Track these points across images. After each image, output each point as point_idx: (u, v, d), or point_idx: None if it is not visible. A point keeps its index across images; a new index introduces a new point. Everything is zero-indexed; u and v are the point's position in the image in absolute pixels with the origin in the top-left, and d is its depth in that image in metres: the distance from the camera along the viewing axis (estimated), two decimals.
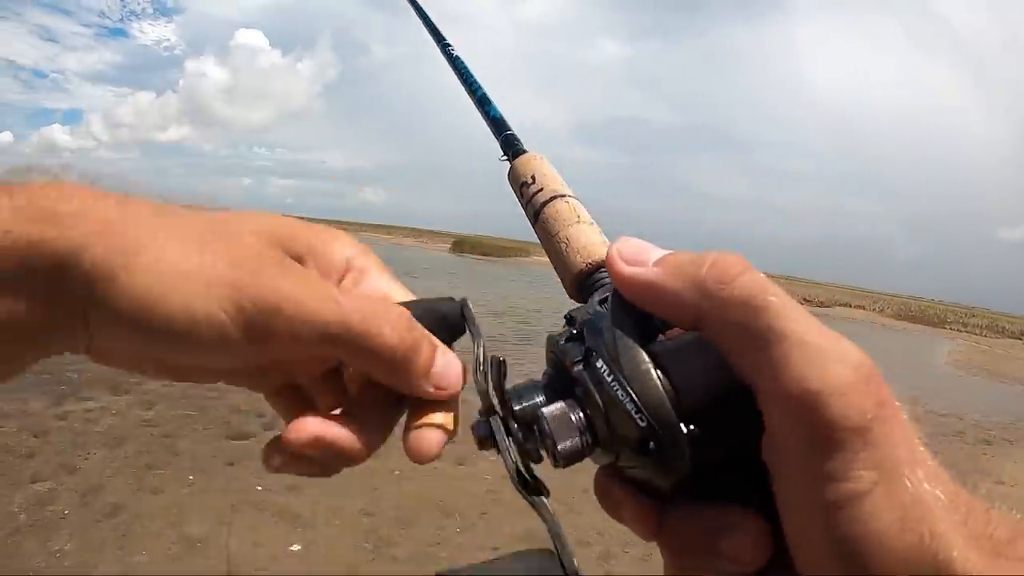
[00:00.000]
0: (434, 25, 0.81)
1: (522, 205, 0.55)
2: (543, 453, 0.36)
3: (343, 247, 0.43)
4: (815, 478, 0.28)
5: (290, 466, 0.38)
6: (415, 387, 0.38)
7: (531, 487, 0.35)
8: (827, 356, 0.29)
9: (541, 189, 0.52)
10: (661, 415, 0.32)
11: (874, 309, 36.57)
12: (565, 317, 0.40)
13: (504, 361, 0.37)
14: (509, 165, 0.57)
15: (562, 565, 0.33)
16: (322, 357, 0.39)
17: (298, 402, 0.43)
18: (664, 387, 0.33)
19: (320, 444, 0.36)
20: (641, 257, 0.35)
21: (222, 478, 5.12)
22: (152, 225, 0.34)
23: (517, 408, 0.37)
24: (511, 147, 0.59)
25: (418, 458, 0.38)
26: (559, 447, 0.35)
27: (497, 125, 0.62)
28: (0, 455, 5.15)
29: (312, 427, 0.36)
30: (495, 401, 0.37)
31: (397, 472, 5.40)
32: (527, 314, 16.58)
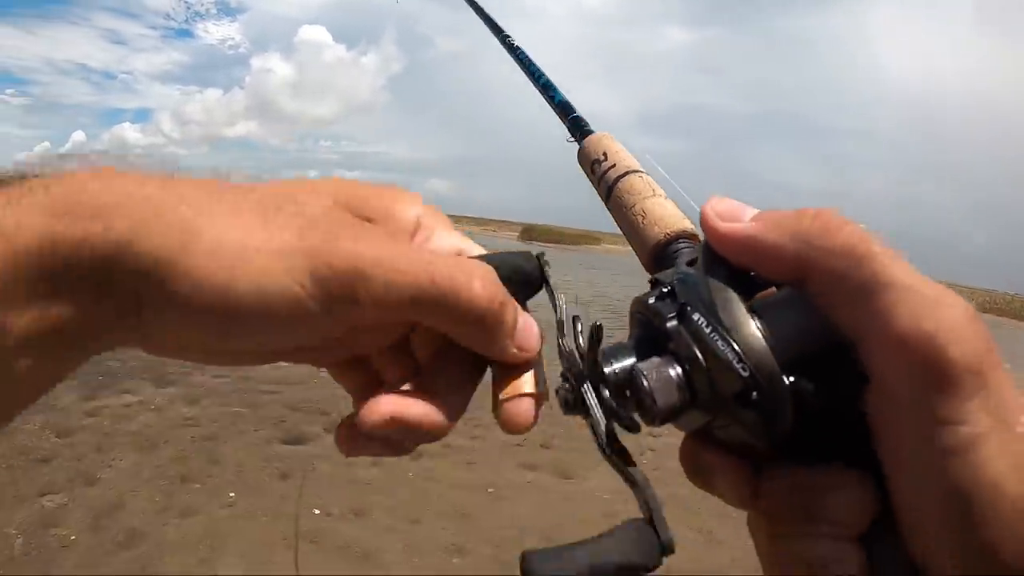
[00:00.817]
0: (492, 20, 0.88)
1: (594, 183, 0.54)
2: (638, 419, 0.34)
3: (411, 206, 0.40)
4: (929, 423, 0.27)
5: (367, 448, 0.37)
6: (501, 349, 0.36)
7: (627, 457, 0.34)
8: (938, 300, 0.28)
9: (614, 165, 0.53)
10: (764, 364, 0.31)
11: None
12: (649, 282, 0.39)
13: (601, 327, 0.35)
14: (578, 147, 0.58)
15: (657, 534, 0.31)
16: (404, 323, 0.37)
17: (366, 376, 0.41)
18: (765, 338, 0.32)
19: (399, 422, 0.34)
20: (736, 214, 0.34)
21: (271, 497, 4.03)
22: (206, 204, 0.31)
23: (607, 370, 0.35)
24: (579, 128, 0.60)
25: (514, 428, 0.37)
26: (659, 404, 0.33)
27: (563, 109, 0.65)
28: (13, 457, 4.24)
29: (388, 405, 0.35)
30: (578, 359, 0.35)
31: (491, 490, 4.30)
32: (616, 304, 15.61)
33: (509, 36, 0.78)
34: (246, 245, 0.31)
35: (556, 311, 0.38)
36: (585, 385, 0.35)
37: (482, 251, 0.41)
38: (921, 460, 0.28)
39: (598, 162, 0.54)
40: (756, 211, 0.34)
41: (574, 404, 0.35)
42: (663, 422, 0.34)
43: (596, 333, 0.35)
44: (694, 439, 0.36)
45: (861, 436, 0.31)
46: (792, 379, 0.31)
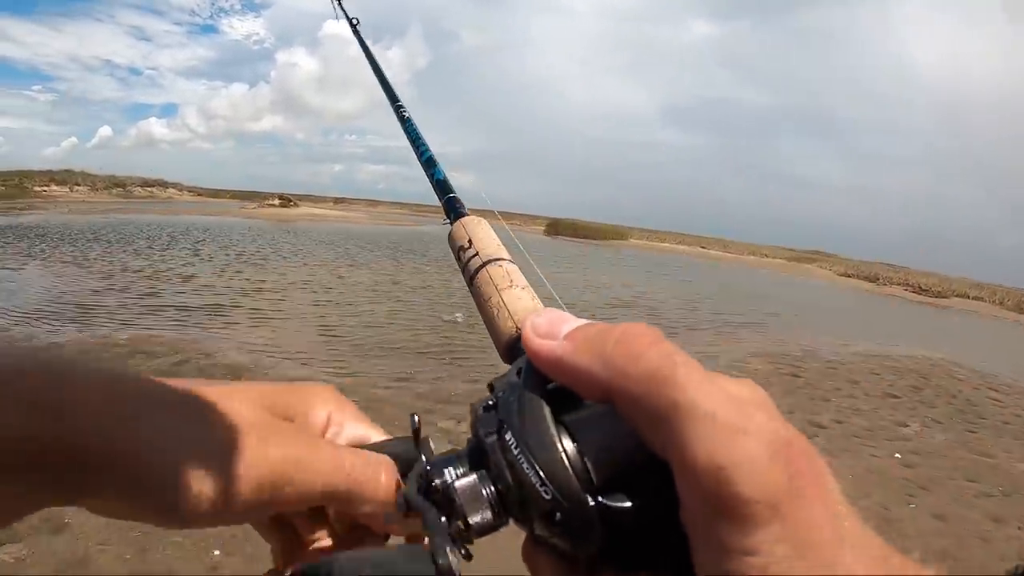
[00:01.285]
0: (389, 84, 0.94)
1: (460, 268, 0.55)
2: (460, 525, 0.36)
3: (323, 404, 0.46)
4: (728, 552, 0.27)
5: None
6: (393, 529, 0.45)
7: (441, 568, 0.35)
8: (736, 429, 0.28)
9: (476, 253, 0.53)
10: (565, 488, 0.32)
11: (994, 301, 31.81)
12: (488, 386, 0.40)
13: (418, 421, 0.41)
14: (450, 229, 0.59)
15: (435, 563, 0.34)
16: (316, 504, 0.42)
17: (288, 534, 0.46)
18: (571, 459, 0.33)
19: None
20: (553, 330, 0.35)
21: (261, 555, 3.38)
22: (156, 407, 0.37)
23: (436, 481, 0.37)
24: (453, 210, 0.62)
25: None
26: (470, 520, 0.35)
27: (442, 188, 0.67)
28: None
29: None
30: (416, 472, 0.39)
31: None
32: (658, 306, 14.91)
33: (403, 107, 0.82)
34: (183, 449, 0.36)
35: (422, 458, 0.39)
36: (427, 498, 0.37)
37: (382, 437, 0.47)
38: None
39: (463, 248, 0.55)
40: (575, 324, 0.35)
41: (407, 507, 0.38)
42: (479, 536, 0.36)
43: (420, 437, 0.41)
44: (530, 541, 0.36)
45: (681, 546, 0.30)
46: (600, 499, 0.32)
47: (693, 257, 41.43)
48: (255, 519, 0.43)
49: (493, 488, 0.35)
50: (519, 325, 0.46)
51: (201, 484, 0.35)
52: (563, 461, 0.32)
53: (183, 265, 14.64)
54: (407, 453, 0.42)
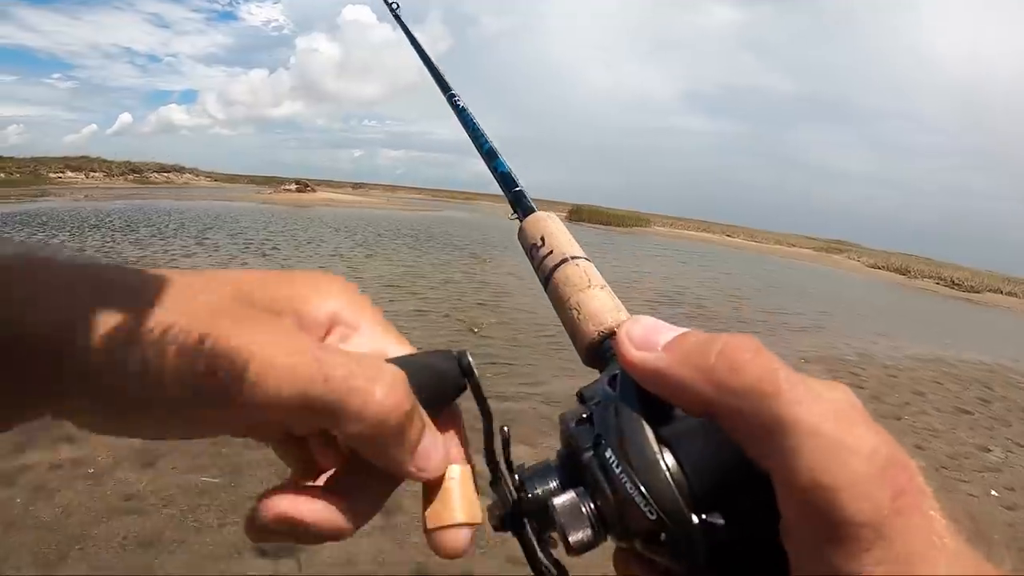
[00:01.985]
0: (441, 76, 0.85)
1: (534, 267, 0.53)
2: (557, 539, 0.36)
3: (326, 299, 0.38)
4: (828, 570, 0.27)
5: (267, 536, 0.35)
6: (399, 465, 0.35)
7: (562, 568, 0.36)
8: (840, 447, 0.27)
9: (551, 252, 0.51)
10: (671, 507, 0.31)
11: None
12: (577, 395, 0.39)
13: (508, 432, 0.37)
14: (519, 225, 0.56)
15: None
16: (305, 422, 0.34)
17: (305, 453, 0.38)
18: (674, 476, 0.32)
19: (287, 522, 0.33)
20: (650, 339, 0.34)
21: None
22: (103, 294, 0.30)
23: (530, 495, 0.36)
24: (521, 205, 0.58)
25: (447, 557, 0.36)
26: (570, 539, 0.34)
27: (506, 181, 0.62)
28: None
29: (280, 505, 0.34)
30: (508, 485, 0.37)
31: None
32: (704, 304, 13.93)
33: (456, 95, 0.75)
34: (137, 330, 0.29)
35: (484, 417, 0.37)
36: (522, 519, 0.36)
37: (408, 350, 0.39)
38: None
39: (536, 247, 0.52)
40: (674, 334, 0.34)
41: (503, 526, 0.37)
42: (579, 553, 0.34)
43: (505, 441, 0.37)
44: (623, 552, 0.36)
45: (782, 562, 0.29)
46: (704, 517, 0.31)
47: (721, 246, 40.74)
48: (261, 434, 0.35)
49: (592, 505, 0.34)
50: (600, 328, 0.44)
51: (136, 376, 0.29)
52: (667, 480, 0.32)
53: (184, 256, 13.66)
54: (439, 378, 0.37)
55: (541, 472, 0.37)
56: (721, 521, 0.31)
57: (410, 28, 1.03)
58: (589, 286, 0.47)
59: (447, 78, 0.86)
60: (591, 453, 0.35)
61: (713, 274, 21.75)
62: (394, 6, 1.05)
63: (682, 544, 0.31)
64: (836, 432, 0.27)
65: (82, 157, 60.51)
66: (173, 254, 13.83)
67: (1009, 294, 31.19)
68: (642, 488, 0.32)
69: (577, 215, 50.93)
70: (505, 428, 0.37)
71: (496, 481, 0.38)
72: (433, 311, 9.78)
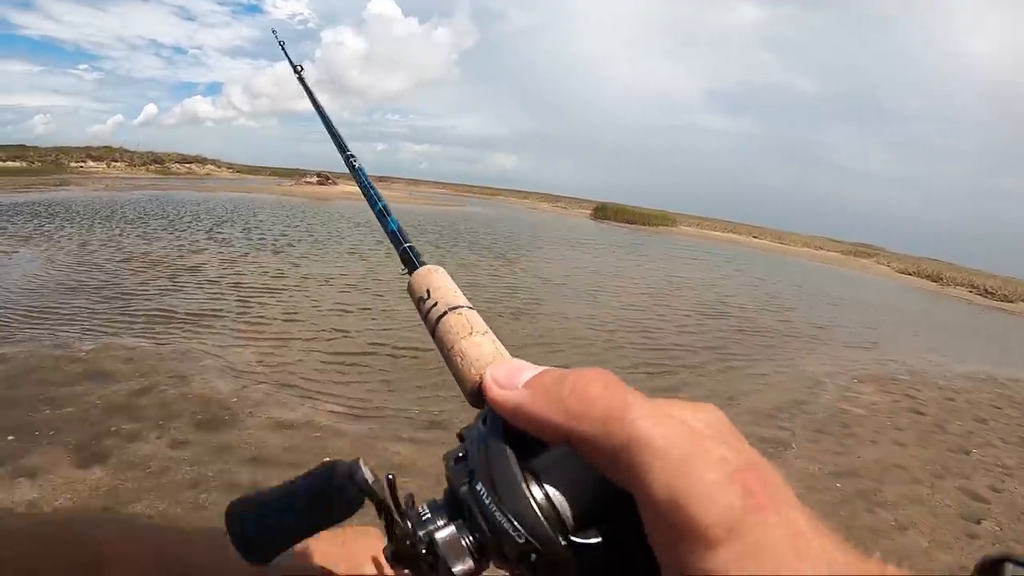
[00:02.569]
0: (339, 136, 0.94)
1: (421, 318, 0.55)
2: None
3: None
4: (691, 571, 0.29)
5: None
6: None
7: None
8: (687, 459, 0.30)
9: (436, 304, 0.53)
10: (539, 532, 0.34)
11: None
12: (457, 435, 0.42)
13: (393, 477, 0.41)
14: (408, 279, 0.59)
15: None
16: None
17: None
18: (539, 503, 0.34)
19: None
20: (512, 380, 0.38)
21: None
22: None
23: (421, 532, 0.38)
24: (409, 261, 0.61)
25: None
26: (454, 570, 0.37)
27: (395, 238, 0.67)
28: None
29: None
30: (400, 527, 0.39)
31: None
32: (746, 312, 12.97)
33: (353, 156, 0.83)
34: None
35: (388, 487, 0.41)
36: (416, 558, 0.39)
37: None
38: None
39: (423, 300, 0.54)
40: (533, 373, 0.37)
41: (399, 563, 0.40)
42: None
43: (392, 487, 0.41)
44: None
45: (657, 571, 0.32)
46: (572, 539, 0.34)
47: (748, 247, 39.67)
48: None
49: (471, 537, 0.37)
50: (481, 371, 0.45)
51: None
52: (532, 507, 0.34)
53: (193, 252, 12.77)
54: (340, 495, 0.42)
55: (432, 510, 0.39)
56: (590, 540, 0.33)
57: (313, 91, 1.24)
58: (471, 333, 0.49)
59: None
60: (466, 488, 0.37)
61: (749, 279, 20.77)
62: (299, 68, 1.23)
63: (552, 565, 0.34)
64: (683, 447, 0.30)
65: (104, 147, 60.43)
66: (181, 249, 12.96)
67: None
68: (510, 516, 0.34)
69: (602, 213, 49.93)
70: (390, 475, 0.41)
71: (390, 525, 0.40)
72: None
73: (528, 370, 0.38)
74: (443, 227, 25.03)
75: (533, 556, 0.34)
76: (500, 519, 0.34)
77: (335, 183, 49.16)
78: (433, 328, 0.52)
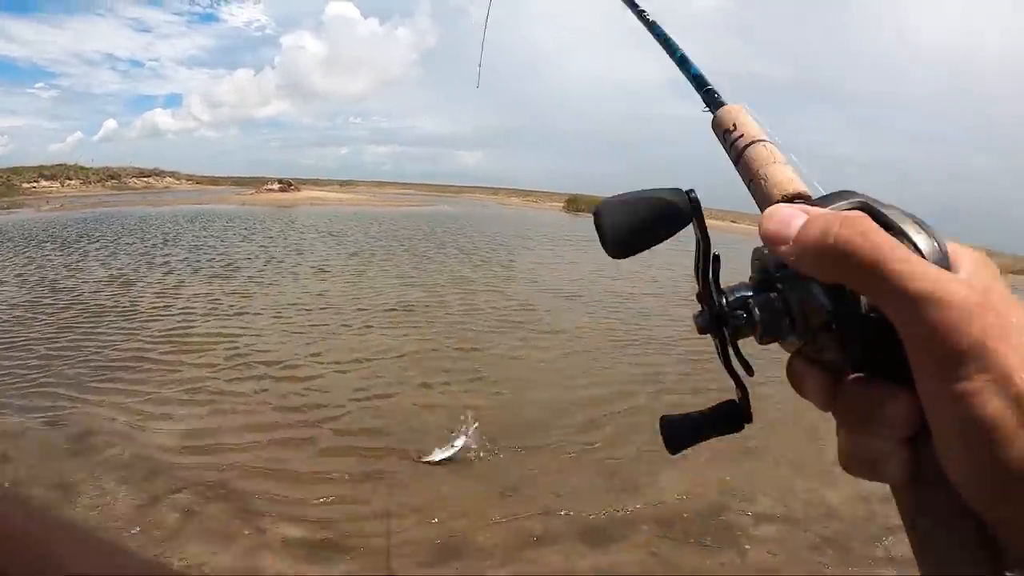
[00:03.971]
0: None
1: (725, 149, 0.58)
2: (752, 335, 0.44)
3: None
4: (939, 380, 0.34)
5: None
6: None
7: (749, 368, 0.45)
8: (938, 280, 0.35)
9: (741, 135, 0.56)
10: (842, 304, 0.39)
11: None
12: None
13: (718, 256, 0.45)
14: (712, 116, 0.60)
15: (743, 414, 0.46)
16: None
17: None
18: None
19: None
20: (782, 233, 0.40)
21: None
22: None
23: (731, 298, 0.44)
24: (713, 100, 0.62)
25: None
26: (763, 330, 0.42)
27: (698, 81, 0.66)
28: None
29: None
30: (713, 294, 0.45)
31: None
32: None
33: (645, 11, 0.82)
34: None
35: (704, 239, 0.45)
36: (719, 319, 0.44)
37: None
38: (935, 400, 0.35)
39: (729, 132, 0.57)
40: (802, 220, 0.40)
41: (705, 329, 0.45)
42: (767, 343, 0.43)
43: (716, 262, 0.45)
44: (793, 357, 0.44)
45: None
46: (870, 314, 0.38)
47: (732, 234, 38.58)
48: None
49: (782, 304, 0.42)
50: (783, 192, 0.49)
51: None
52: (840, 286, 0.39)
53: (122, 284, 11.41)
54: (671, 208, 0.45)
55: (738, 286, 0.44)
56: (881, 315, 0.37)
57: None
58: (774, 162, 0.52)
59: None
60: (780, 273, 0.42)
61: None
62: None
63: (848, 332, 0.39)
64: (930, 271, 0.35)
65: (58, 165, 58.12)
66: (111, 281, 11.61)
67: (1020, 272, 29.22)
68: (822, 288, 0.39)
69: (575, 205, 48.80)
70: (716, 253, 0.45)
71: (702, 293, 0.45)
72: (445, 370, 7.65)
73: (796, 219, 0.40)
74: (411, 231, 23.76)
75: (833, 324, 0.39)
76: (814, 290, 0.39)
77: (298, 189, 47.89)
78: (738, 157, 0.55)
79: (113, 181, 56.37)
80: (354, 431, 5.54)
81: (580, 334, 9.03)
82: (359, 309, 9.89)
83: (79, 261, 13.36)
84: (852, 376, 0.40)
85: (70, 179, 53.04)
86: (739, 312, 0.43)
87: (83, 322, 8.40)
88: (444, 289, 11.89)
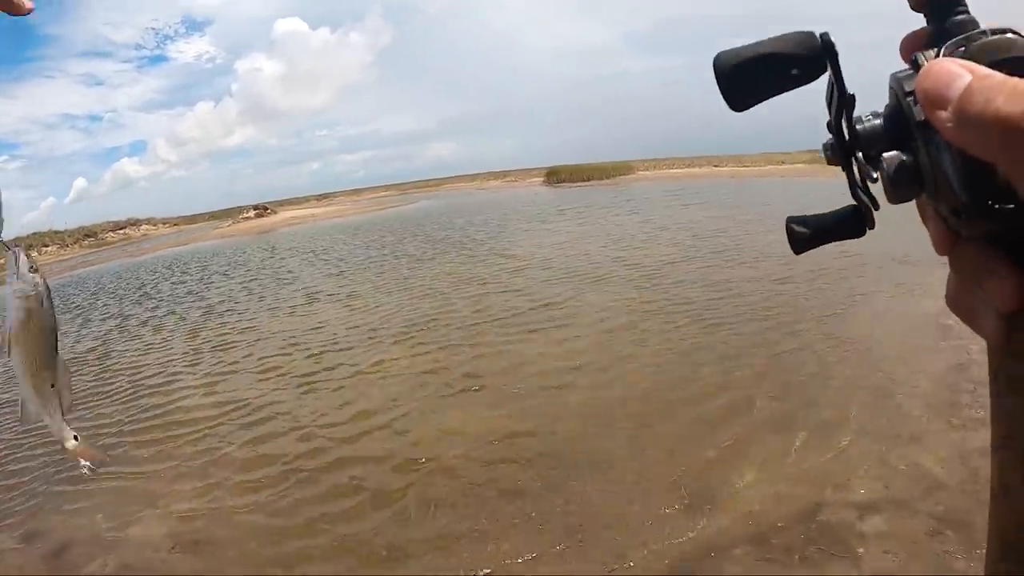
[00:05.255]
0: None
1: None
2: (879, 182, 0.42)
3: None
4: None
5: None
6: None
7: (874, 200, 0.45)
8: None
9: None
10: (975, 193, 0.37)
11: None
12: (910, 61, 0.42)
13: (853, 96, 0.43)
14: None
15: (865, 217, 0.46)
16: None
17: None
18: (980, 171, 0.36)
19: None
20: (944, 93, 0.35)
21: None
22: None
23: (864, 142, 0.42)
24: None
25: None
26: (890, 188, 0.41)
27: None
28: None
29: None
30: (842, 125, 0.44)
31: None
32: (761, 250, 11.05)
33: None
34: None
35: (838, 82, 0.44)
36: (851, 156, 0.44)
37: None
38: None
39: None
40: (968, 78, 0.35)
41: (833, 159, 0.45)
42: (898, 201, 0.42)
43: (851, 102, 0.43)
44: (924, 205, 0.43)
45: None
46: (997, 206, 0.36)
47: (716, 179, 38.00)
48: None
49: (915, 167, 0.40)
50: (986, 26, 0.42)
51: None
52: (979, 175, 0.36)
53: (97, 356, 10.61)
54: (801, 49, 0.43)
55: (872, 129, 0.42)
56: (1011, 207, 0.36)
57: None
58: None
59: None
60: (919, 132, 0.39)
61: (757, 210, 18.99)
62: None
63: (973, 220, 0.38)
64: None
65: (33, 235, 57.08)
66: (81, 355, 10.74)
67: None
68: (960, 173, 0.37)
69: (556, 177, 48.02)
70: (851, 93, 0.43)
71: (832, 124, 0.44)
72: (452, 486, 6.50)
73: (959, 78, 0.35)
74: (393, 240, 22.91)
75: (962, 214, 0.38)
76: (952, 174, 0.37)
77: (274, 212, 47.36)
78: None
79: (90, 239, 55.34)
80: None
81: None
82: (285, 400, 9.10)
83: None
84: (972, 239, 0.40)
85: (47, 246, 52.02)
86: (868, 169, 0.42)
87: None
88: (454, 298, 11.07)
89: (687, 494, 4.17)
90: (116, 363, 9.39)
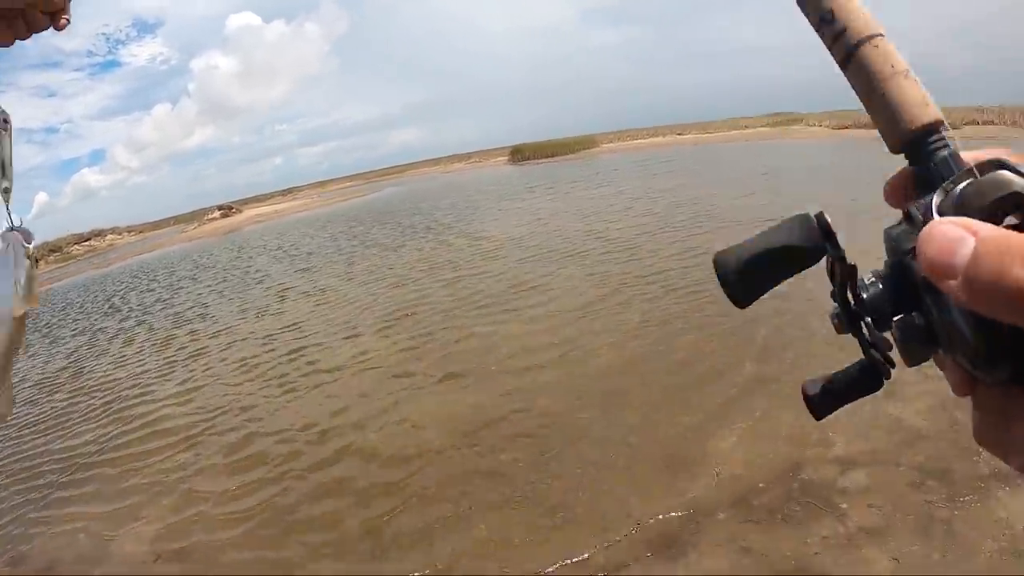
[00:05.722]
0: None
1: (824, 43, 0.47)
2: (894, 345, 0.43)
3: None
4: None
5: None
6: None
7: (890, 360, 0.44)
8: None
9: (844, 30, 0.46)
10: (992, 344, 0.36)
11: (1005, 122, 27.80)
12: (904, 214, 0.42)
13: (854, 266, 0.42)
14: None
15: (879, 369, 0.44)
16: None
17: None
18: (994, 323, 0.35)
19: None
20: (949, 261, 0.34)
21: None
22: None
23: (868, 307, 0.42)
24: None
25: None
26: (908, 353, 0.41)
27: None
28: None
29: None
30: (847, 297, 0.43)
31: None
32: (724, 215, 11.07)
33: None
34: None
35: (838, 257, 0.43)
36: (859, 322, 0.43)
37: None
38: None
39: (824, 21, 0.46)
40: (972, 243, 0.34)
41: (842, 329, 0.44)
42: (912, 366, 0.42)
43: (853, 273, 0.42)
44: (940, 358, 0.42)
45: None
46: (1012, 362, 0.36)
47: (681, 146, 38.08)
48: None
49: (925, 324, 0.40)
50: (911, 126, 0.42)
51: None
52: (990, 335, 0.35)
53: (70, 379, 10.36)
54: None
55: (876, 298, 0.42)
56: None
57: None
58: (893, 73, 0.44)
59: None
60: (927, 292, 0.39)
61: (721, 178, 19.07)
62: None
63: (989, 374, 0.37)
64: None
65: None
66: (51, 375, 10.50)
67: (986, 123, 28.29)
68: (971, 336, 0.36)
69: (520, 155, 47.87)
70: (853, 263, 0.42)
71: (835, 292, 0.44)
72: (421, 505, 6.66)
73: (963, 245, 0.33)
74: (363, 229, 22.64)
75: (977, 368, 0.37)
76: (967, 334, 0.36)
77: (239, 211, 46.90)
78: (845, 59, 0.46)
79: (55, 255, 54.23)
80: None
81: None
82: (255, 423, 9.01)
83: (15, 361, 12.19)
84: (994, 386, 0.39)
85: None
86: (879, 336, 0.42)
87: (36, 433, 7.47)
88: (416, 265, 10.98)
89: (670, 464, 4.19)
90: (88, 380, 9.20)
